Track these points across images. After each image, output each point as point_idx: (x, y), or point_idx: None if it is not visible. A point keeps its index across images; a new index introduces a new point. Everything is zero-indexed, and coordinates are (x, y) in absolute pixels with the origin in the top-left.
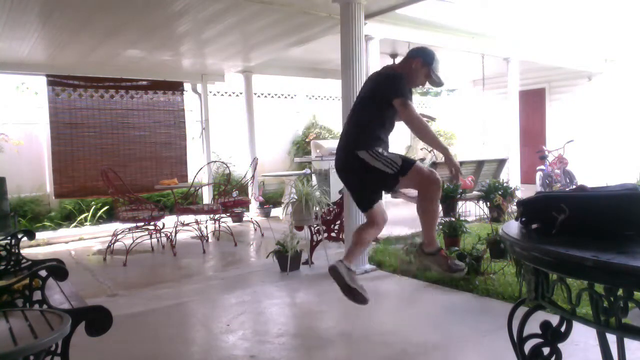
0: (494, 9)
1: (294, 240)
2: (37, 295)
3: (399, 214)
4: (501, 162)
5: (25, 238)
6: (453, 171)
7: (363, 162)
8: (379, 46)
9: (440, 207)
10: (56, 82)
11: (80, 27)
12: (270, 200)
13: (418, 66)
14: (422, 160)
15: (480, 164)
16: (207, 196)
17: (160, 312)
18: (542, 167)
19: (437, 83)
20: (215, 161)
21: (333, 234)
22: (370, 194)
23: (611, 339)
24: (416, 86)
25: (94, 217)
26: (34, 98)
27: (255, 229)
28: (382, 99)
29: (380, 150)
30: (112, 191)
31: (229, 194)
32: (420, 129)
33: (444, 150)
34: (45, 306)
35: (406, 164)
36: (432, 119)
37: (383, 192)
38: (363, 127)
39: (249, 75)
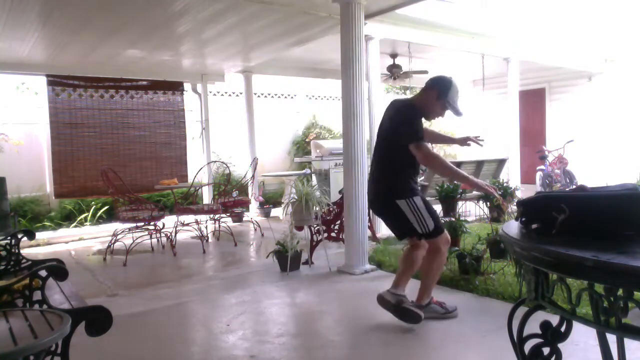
0: (494, 9)
1: (294, 240)
2: (37, 295)
3: None
4: (501, 162)
5: (25, 238)
6: (493, 194)
7: (399, 208)
8: (379, 46)
9: (441, 207)
10: (56, 82)
11: (80, 26)
12: (270, 200)
13: (433, 99)
14: None
15: (480, 164)
16: (207, 196)
17: (160, 312)
18: (542, 167)
19: (455, 113)
20: (215, 161)
21: (333, 234)
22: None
23: (611, 339)
24: (435, 117)
25: (94, 217)
26: (34, 98)
27: (255, 229)
28: (399, 140)
29: (418, 203)
30: (112, 191)
31: (229, 194)
32: (438, 167)
33: (468, 181)
34: (45, 306)
35: (435, 232)
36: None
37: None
38: (397, 169)
39: (249, 75)
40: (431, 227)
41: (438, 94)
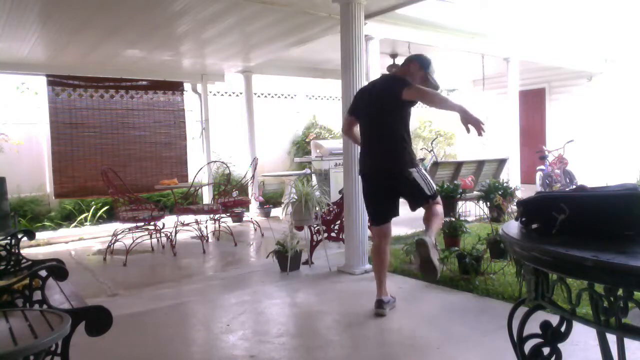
0: (494, 9)
1: (294, 240)
2: (37, 295)
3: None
4: (501, 162)
5: (25, 238)
6: (469, 128)
7: (412, 176)
8: (379, 46)
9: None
10: (56, 82)
11: (80, 26)
12: (270, 200)
13: (415, 69)
14: (422, 160)
15: (480, 164)
16: (207, 196)
17: (160, 312)
18: (542, 167)
19: (434, 85)
20: (215, 161)
21: (333, 234)
22: (394, 207)
23: (611, 339)
24: None
25: (94, 217)
26: (34, 98)
27: (255, 229)
28: (397, 101)
29: (422, 170)
30: (112, 191)
31: (229, 194)
32: (433, 98)
33: (460, 109)
34: (45, 306)
35: (436, 192)
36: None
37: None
38: (401, 140)
39: (249, 75)
40: (434, 188)
41: (420, 65)
